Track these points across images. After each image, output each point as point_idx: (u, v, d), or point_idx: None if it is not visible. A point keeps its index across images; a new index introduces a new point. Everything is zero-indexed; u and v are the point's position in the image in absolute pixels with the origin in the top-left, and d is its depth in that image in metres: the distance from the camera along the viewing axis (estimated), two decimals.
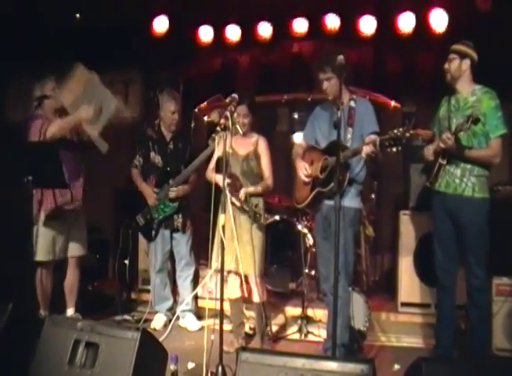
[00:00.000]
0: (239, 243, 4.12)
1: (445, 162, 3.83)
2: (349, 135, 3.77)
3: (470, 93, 3.84)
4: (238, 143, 4.29)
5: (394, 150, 3.34)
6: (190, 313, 4.91)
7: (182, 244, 4.91)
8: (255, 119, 4.32)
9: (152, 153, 4.84)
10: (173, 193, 4.73)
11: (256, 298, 4.30)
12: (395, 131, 3.28)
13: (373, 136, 3.60)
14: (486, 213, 3.81)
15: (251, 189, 4.25)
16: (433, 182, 3.95)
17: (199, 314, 4.96)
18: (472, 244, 3.79)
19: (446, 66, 3.87)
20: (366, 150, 3.47)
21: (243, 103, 4.12)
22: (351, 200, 3.81)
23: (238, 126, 3.97)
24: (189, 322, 4.86)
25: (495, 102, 3.74)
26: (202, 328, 4.70)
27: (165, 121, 4.84)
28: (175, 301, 5.04)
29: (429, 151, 3.96)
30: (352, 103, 3.85)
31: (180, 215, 4.85)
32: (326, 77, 3.79)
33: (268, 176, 4.35)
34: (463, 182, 3.80)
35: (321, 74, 3.80)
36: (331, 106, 3.89)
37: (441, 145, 3.73)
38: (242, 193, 4.15)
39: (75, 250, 4.69)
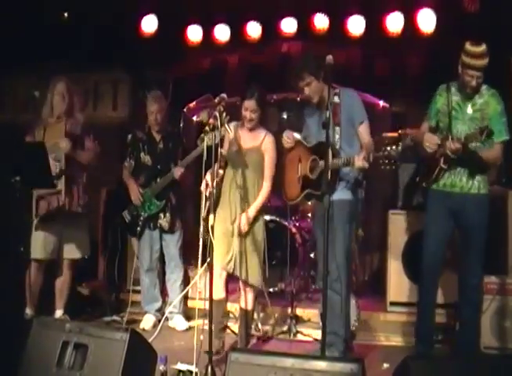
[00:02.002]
0: (245, 249, 4.07)
1: (446, 167, 3.77)
2: (337, 136, 3.76)
3: (476, 93, 3.78)
4: (244, 137, 4.18)
5: (388, 168, 3.37)
6: (178, 315, 4.90)
7: (171, 245, 4.90)
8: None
9: (142, 154, 4.88)
10: (178, 172, 4.70)
11: (243, 304, 4.20)
12: (388, 148, 3.28)
13: (363, 153, 3.54)
14: (488, 208, 3.85)
15: (252, 211, 4.07)
16: (431, 184, 3.90)
17: (188, 314, 4.95)
18: (475, 241, 3.80)
19: (475, 83, 3.69)
20: (358, 164, 3.48)
21: (251, 97, 4.05)
22: (345, 192, 3.84)
23: (227, 126, 3.94)
24: (178, 322, 4.85)
25: (501, 106, 3.74)
26: (190, 328, 4.69)
27: (149, 121, 4.88)
28: (164, 302, 5.03)
29: (432, 140, 3.75)
30: (336, 99, 3.80)
31: (167, 215, 4.83)
32: (306, 83, 3.80)
33: (267, 177, 4.14)
34: (469, 180, 3.79)
35: (300, 83, 3.80)
36: (316, 108, 3.94)
37: (449, 153, 3.66)
38: (244, 224, 4.05)
39: (69, 252, 4.68)
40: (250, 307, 4.21)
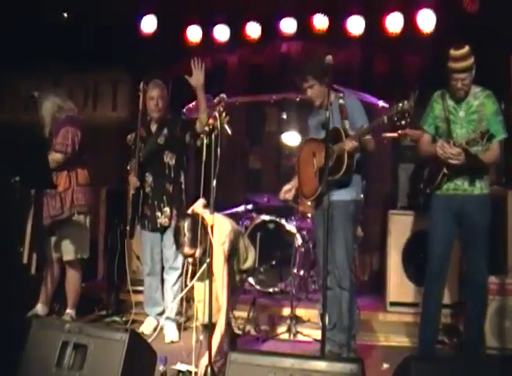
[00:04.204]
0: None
1: (448, 172, 3.79)
2: (347, 126, 3.79)
3: (472, 96, 3.80)
4: None
5: (404, 123, 3.38)
6: (170, 322, 4.62)
7: (168, 245, 4.66)
8: (244, 119, 4.25)
9: (141, 153, 4.71)
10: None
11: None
12: (400, 104, 3.33)
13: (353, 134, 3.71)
14: (490, 208, 3.87)
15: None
16: (434, 189, 3.92)
17: (188, 315, 4.92)
18: (480, 240, 3.81)
19: (460, 85, 3.71)
20: (348, 146, 3.64)
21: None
22: (348, 192, 3.91)
23: (227, 127, 3.93)
24: (167, 331, 4.60)
25: (497, 106, 3.78)
26: (177, 341, 4.53)
27: (148, 110, 4.69)
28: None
29: (446, 149, 3.72)
30: (341, 101, 3.88)
31: (164, 209, 4.60)
32: (309, 85, 3.88)
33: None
34: (472, 183, 3.81)
35: (304, 84, 3.89)
36: (318, 110, 4.00)
37: (452, 162, 3.69)
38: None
39: (65, 254, 4.72)
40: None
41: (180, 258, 4.62)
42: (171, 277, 4.70)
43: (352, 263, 4.00)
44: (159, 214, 4.65)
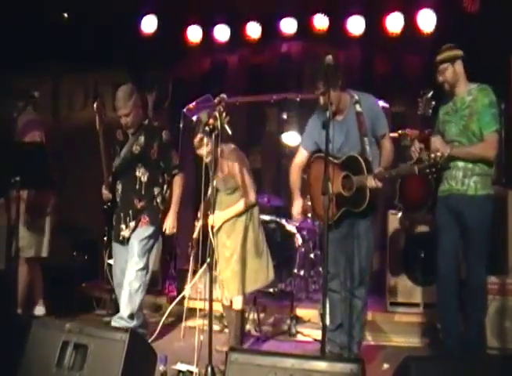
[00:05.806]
0: (223, 259, 4.03)
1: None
2: (368, 148, 3.76)
3: (466, 93, 3.83)
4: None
5: (434, 170, 3.40)
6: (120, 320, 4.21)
7: (133, 236, 4.34)
8: (244, 119, 4.24)
9: (116, 157, 4.53)
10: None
11: (236, 305, 4.08)
12: (433, 155, 3.34)
13: (377, 170, 3.69)
14: (489, 209, 3.83)
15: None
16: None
17: (188, 314, 4.89)
18: (475, 243, 3.80)
19: (441, 78, 3.82)
20: (371, 184, 3.63)
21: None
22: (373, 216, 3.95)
23: (227, 127, 3.93)
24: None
25: (489, 98, 3.75)
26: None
27: None
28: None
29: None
30: (358, 107, 3.80)
31: (130, 224, 4.35)
32: (320, 92, 3.72)
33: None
34: (464, 183, 3.80)
35: (315, 91, 3.75)
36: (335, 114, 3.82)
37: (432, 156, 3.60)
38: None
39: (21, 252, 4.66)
40: (241, 306, 4.10)
41: (146, 256, 4.35)
42: (129, 269, 4.27)
43: (369, 274, 3.98)
44: (123, 226, 4.39)
